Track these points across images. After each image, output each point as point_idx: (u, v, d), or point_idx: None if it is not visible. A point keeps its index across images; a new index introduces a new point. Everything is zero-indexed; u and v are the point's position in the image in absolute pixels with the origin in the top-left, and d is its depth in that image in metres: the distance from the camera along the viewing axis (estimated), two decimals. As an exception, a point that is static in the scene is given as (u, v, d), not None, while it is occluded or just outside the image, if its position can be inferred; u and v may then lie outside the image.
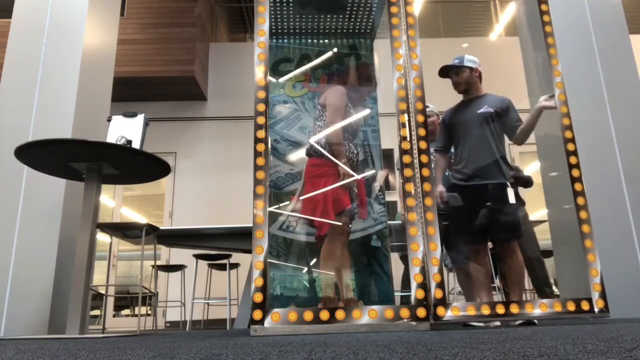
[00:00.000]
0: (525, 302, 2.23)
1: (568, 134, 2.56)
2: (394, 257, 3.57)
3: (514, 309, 2.20)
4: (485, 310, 2.20)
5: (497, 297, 3.89)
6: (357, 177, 2.91)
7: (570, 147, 2.53)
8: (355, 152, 2.97)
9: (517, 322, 2.50)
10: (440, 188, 2.86)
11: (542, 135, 3.53)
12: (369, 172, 3.16)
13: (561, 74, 2.69)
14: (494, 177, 2.79)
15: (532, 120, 2.79)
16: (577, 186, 2.46)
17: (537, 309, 2.20)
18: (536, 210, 4.08)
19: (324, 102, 3.02)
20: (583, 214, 2.41)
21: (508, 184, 2.80)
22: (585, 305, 2.22)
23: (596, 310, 2.21)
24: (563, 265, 3.15)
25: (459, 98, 3.04)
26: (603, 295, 2.24)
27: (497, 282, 3.77)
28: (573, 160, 2.50)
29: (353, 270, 2.98)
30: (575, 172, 2.48)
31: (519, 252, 2.75)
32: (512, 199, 2.79)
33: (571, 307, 2.21)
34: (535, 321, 2.48)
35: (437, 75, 3.00)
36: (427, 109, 3.22)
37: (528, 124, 2.81)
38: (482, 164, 2.81)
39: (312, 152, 2.97)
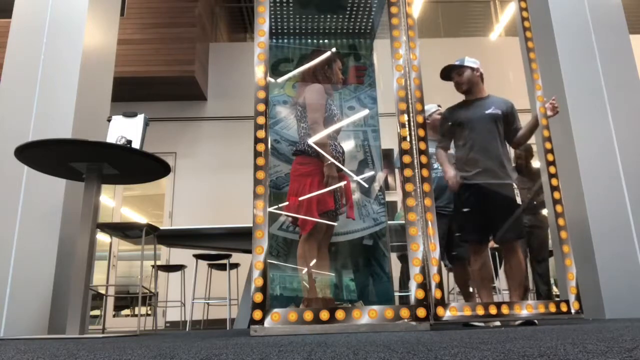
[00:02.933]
0: (515, 303, 2.31)
1: (547, 145, 2.65)
2: (395, 257, 3.57)
3: (505, 309, 2.26)
4: (481, 311, 2.22)
5: (497, 297, 3.90)
6: (341, 183, 2.90)
7: (550, 157, 2.64)
8: (340, 150, 2.95)
9: (517, 322, 2.50)
10: (452, 173, 2.84)
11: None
12: (368, 173, 3.16)
13: (542, 88, 2.77)
14: (499, 176, 2.77)
15: (533, 125, 2.79)
16: (556, 194, 2.57)
17: (525, 309, 2.29)
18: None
19: (302, 101, 2.97)
20: (561, 221, 2.52)
21: (514, 184, 2.78)
22: (564, 307, 2.34)
23: (573, 311, 2.34)
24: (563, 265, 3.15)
25: (460, 98, 3.02)
26: (578, 298, 2.37)
27: (496, 283, 3.78)
28: (552, 170, 2.60)
29: (352, 271, 2.98)
30: (554, 182, 2.59)
31: (520, 252, 2.74)
32: (517, 199, 2.78)
33: (552, 308, 2.32)
34: (536, 321, 2.48)
35: (439, 77, 2.99)
36: (435, 109, 3.22)
37: (528, 130, 2.82)
38: (488, 164, 2.79)
39: (297, 151, 2.97)
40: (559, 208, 2.53)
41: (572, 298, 2.36)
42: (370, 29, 3.36)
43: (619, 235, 3.00)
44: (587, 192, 3.08)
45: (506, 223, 2.77)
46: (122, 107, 3.35)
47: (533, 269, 3.94)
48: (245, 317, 3.85)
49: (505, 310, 2.25)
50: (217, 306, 5.52)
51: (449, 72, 2.96)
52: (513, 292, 2.70)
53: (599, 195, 3.08)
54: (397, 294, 3.44)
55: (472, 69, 2.91)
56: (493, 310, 2.24)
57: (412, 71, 2.49)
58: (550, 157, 2.63)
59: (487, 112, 2.84)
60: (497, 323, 2.60)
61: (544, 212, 3.91)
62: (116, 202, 7.15)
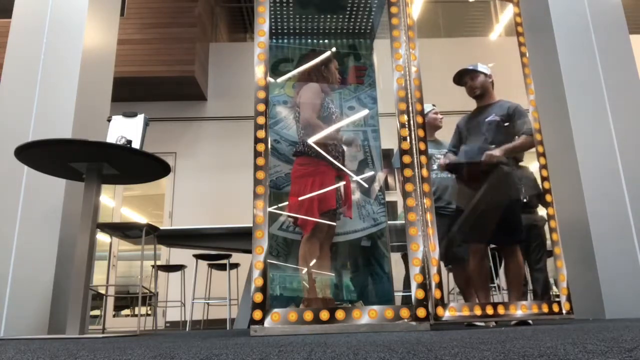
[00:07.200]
0: (510, 303, 2.34)
1: (540, 149, 2.67)
2: (395, 257, 3.56)
3: (501, 309, 2.28)
4: (480, 311, 2.23)
5: (498, 297, 3.89)
6: (342, 183, 2.91)
7: (542, 160, 2.65)
8: (341, 150, 2.96)
9: (513, 323, 2.53)
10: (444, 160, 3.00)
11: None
12: (368, 173, 3.16)
13: (534, 92, 2.81)
14: (495, 182, 2.81)
15: (521, 143, 2.82)
16: (547, 197, 2.58)
17: (519, 310, 2.31)
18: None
19: (299, 101, 2.97)
20: (552, 223, 2.54)
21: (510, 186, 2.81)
22: (555, 308, 2.36)
23: (564, 312, 2.36)
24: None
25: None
26: (569, 299, 2.40)
27: (497, 283, 3.77)
28: (544, 173, 2.62)
29: (351, 271, 2.98)
30: (546, 185, 2.61)
31: (519, 255, 2.76)
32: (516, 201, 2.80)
33: (545, 309, 2.35)
34: (530, 321, 2.50)
35: (438, 77, 3.04)
36: (430, 109, 3.26)
37: (517, 145, 2.83)
38: (483, 172, 2.84)
39: (297, 152, 2.98)
40: (550, 210, 2.56)
41: (563, 299, 2.40)
42: (370, 29, 3.36)
43: (619, 235, 3.00)
44: (587, 192, 3.08)
45: (503, 226, 2.80)
46: (122, 107, 3.35)
47: (531, 270, 3.93)
48: (245, 317, 3.85)
49: (501, 310, 2.27)
50: (217, 306, 5.52)
51: (462, 77, 3.01)
52: (512, 295, 2.72)
53: (599, 195, 3.08)
54: (402, 294, 3.44)
55: (485, 74, 2.98)
56: (490, 310, 2.26)
57: (412, 71, 2.49)
58: (542, 161, 2.64)
59: (486, 120, 2.90)
60: (493, 323, 2.62)
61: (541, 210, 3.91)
62: (116, 202, 7.15)
